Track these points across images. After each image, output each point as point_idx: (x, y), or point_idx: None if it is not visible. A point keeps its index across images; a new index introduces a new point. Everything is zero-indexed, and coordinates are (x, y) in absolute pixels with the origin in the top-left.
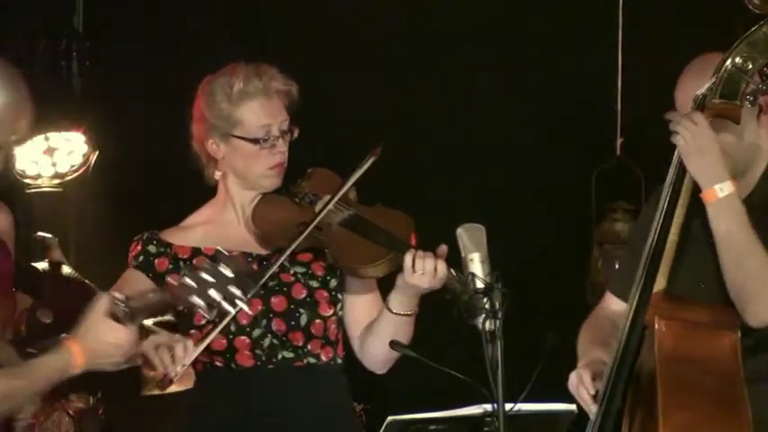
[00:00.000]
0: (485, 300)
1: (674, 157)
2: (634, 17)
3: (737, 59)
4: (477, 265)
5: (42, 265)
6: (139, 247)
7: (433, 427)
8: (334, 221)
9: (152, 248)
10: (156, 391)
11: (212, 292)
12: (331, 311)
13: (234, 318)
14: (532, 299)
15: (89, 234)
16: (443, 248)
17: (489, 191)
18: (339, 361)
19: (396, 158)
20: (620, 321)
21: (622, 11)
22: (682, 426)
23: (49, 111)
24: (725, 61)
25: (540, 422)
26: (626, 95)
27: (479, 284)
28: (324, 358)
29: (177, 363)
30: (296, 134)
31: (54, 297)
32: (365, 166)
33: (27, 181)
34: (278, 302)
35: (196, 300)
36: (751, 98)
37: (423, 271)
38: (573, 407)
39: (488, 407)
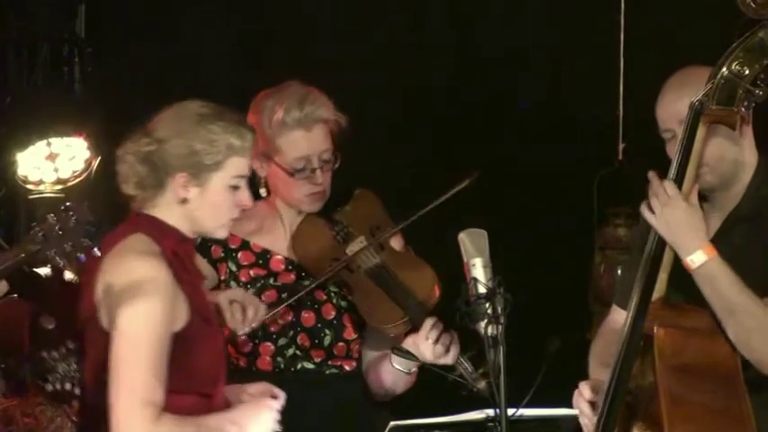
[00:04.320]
0: (487, 305)
1: (673, 161)
2: (636, 21)
3: (734, 65)
4: (479, 270)
5: (44, 271)
6: None
7: None
8: (362, 266)
9: None
10: None
11: (64, 244)
12: (356, 335)
13: (309, 292)
14: (534, 304)
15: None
16: (456, 337)
17: (491, 195)
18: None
19: (395, 160)
20: None
21: (624, 15)
22: None
23: (50, 116)
24: (721, 67)
25: (542, 427)
26: (628, 100)
27: (481, 290)
28: (347, 368)
29: (246, 322)
30: (338, 163)
31: (56, 303)
32: (413, 218)
33: (29, 187)
34: (307, 318)
35: (49, 254)
36: (746, 104)
37: (433, 343)
38: (575, 412)
39: (491, 412)
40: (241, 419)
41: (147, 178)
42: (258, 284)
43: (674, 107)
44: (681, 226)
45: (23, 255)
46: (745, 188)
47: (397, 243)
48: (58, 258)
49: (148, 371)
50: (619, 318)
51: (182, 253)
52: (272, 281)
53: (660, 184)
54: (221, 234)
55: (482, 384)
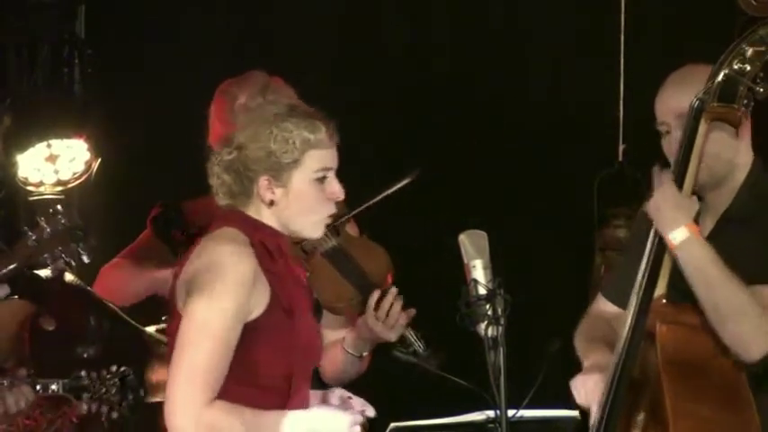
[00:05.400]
0: (487, 306)
1: (674, 160)
2: (636, 22)
3: (735, 63)
4: (479, 271)
5: (45, 273)
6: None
7: None
8: (319, 248)
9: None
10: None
11: (55, 249)
12: None
13: None
14: (534, 305)
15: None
16: (412, 311)
17: (491, 196)
18: None
19: (395, 160)
20: (614, 321)
21: (624, 16)
22: None
23: (50, 118)
24: (722, 65)
25: (542, 428)
26: (628, 101)
27: (481, 291)
28: None
29: None
30: None
31: (57, 304)
32: (368, 204)
33: (30, 188)
34: None
35: (41, 258)
36: (746, 102)
37: (382, 317)
38: (575, 413)
39: (491, 413)
40: (304, 424)
41: (233, 186)
42: None
43: (671, 101)
44: (668, 205)
45: (17, 264)
46: (737, 188)
47: (352, 229)
48: (49, 262)
49: (212, 357)
50: (604, 308)
51: (270, 245)
52: None
53: (658, 174)
54: (316, 233)
55: (433, 363)
